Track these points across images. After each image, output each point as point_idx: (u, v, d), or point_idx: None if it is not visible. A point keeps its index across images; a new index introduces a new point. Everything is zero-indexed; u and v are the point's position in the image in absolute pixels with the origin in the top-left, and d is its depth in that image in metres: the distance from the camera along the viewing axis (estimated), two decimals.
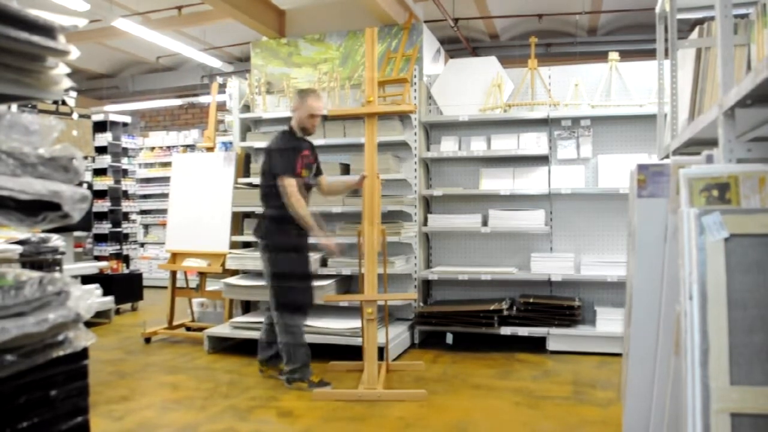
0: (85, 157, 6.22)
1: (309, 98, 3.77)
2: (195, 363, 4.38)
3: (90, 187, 6.96)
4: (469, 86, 5.20)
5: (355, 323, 4.33)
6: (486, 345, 4.65)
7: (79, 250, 6.17)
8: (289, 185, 3.61)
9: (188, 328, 5.31)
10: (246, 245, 5.24)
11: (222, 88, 6.64)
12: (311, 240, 3.78)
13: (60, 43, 1.52)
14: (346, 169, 5.01)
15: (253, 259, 4.81)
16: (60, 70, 1.58)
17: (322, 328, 4.41)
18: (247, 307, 5.30)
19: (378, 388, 3.53)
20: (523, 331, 4.53)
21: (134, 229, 8.17)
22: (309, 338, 4.39)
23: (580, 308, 4.55)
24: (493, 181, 4.96)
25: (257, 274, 4.99)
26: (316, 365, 4.20)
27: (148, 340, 5.10)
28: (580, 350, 4.41)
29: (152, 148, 9.91)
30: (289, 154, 3.70)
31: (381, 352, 3.86)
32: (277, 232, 3.72)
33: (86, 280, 5.79)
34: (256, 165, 5.25)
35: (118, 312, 6.52)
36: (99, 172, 7.53)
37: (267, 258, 3.73)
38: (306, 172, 3.82)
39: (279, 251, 3.71)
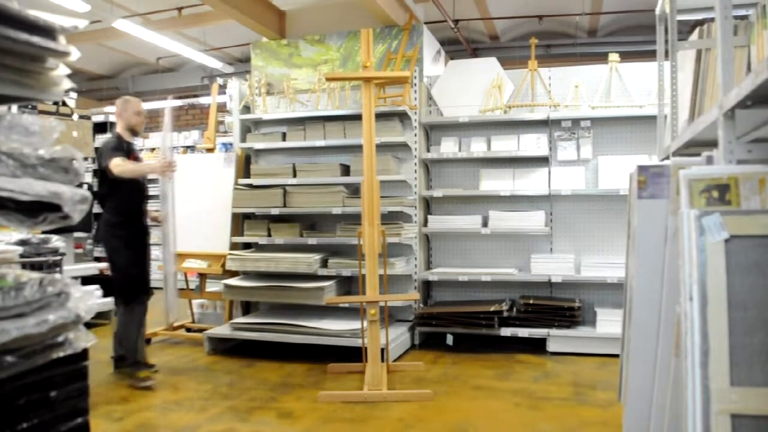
0: (86, 158, 6.23)
1: (130, 101, 4.07)
2: (195, 364, 4.38)
3: (90, 188, 6.97)
4: (470, 87, 5.20)
5: (354, 324, 4.33)
6: (486, 346, 4.65)
7: (79, 251, 6.17)
8: (115, 165, 3.81)
9: (188, 329, 5.31)
10: (246, 246, 5.24)
11: (222, 89, 6.65)
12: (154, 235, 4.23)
13: (60, 44, 1.52)
14: (346, 170, 5.01)
15: (254, 261, 4.82)
16: (60, 71, 1.58)
17: (321, 329, 4.41)
18: (247, 308, 5.30)
19: (383, 389, 3.53)
20: (523, 332, 4.53)
21: None
22: (309, 340, 4.41)
23: (581, 309, 4.55)
24: (493, 182, 4.96)
25: (257, 276, 4.99)
26: (315, 367, 4.21)
27: (148, 341, 5.08)
28: (580, 351, 4.41)
29: (152, 149, 9.91)
30: (119, 154, 3.90)
31: (381, 353, 3.86)
32: (113, 237, 3.96)
33: (86, 281, 5.78)
34: (257, 166, 5.26)
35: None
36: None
37: (106, 252, 4.04)
38: None
39: (115, 252, 3.96)
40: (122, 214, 3.98)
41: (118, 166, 3.84)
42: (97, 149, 4.22)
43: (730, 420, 1.32)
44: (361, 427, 3.07)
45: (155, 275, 8.71)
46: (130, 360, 3.89)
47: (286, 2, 6.25)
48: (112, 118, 7.70)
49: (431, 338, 4.85)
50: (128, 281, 3.95)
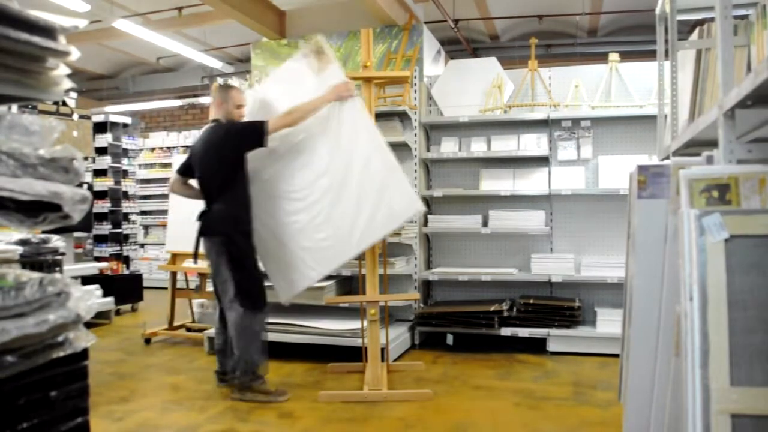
0: (86, 158, 6.22)
1: (231, 92, 3.74)
2: (195, 364, 4.38)
3: (90, 188, 6.97)
4: (470, 87, 5.20)
5: (354, 324, 4.33)
6: (486, 346, 4.65)
7: (79, 251, 6.17)
8: (274, 122, 3.53)
9: (188, 329, 5.31)
10: None
11: None
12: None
13: (60, 44, 1.52)
14: None
15: None
16: (60, 70, 1.58)
17: (321, 329, 4.41)
18: None
19: (383, 388, 3.53)
20: (523, 332, 4.53)
21: (134, 230, 8.17)
22: (309, 339, 4.41)
23: (581, 309, 4.55)
24: (493, 182, 4.96)
25: None
26: (315, 366, 4.20)
27: (148, 341, 5.10)
28: (580, 351, 4.41)
29: (152, 149, 9.91)
30: (252, 121, 3.61)
31: (381, 353, 3.86)
32: (240, 233, 3.57)
33: (86, 280, 5.79)
34: None
35: (118, 313, 6.52)
36: (99, 173, 7.53)
37: (227, 250, 3.53)
38: None
39: (241, 250, 3.56)
40: (246, 207, 3.61)
41: (281, 118, 3.52)
42: (208, 143, 3.65)
43: (730, 420, 1.32)
44: (361, 427, 3.07)
45: (157, 275, 8.76)
46: (249, 373, 3.50)
47: (286, 2, 6.25)
48: (112, 118, 7.68)
49: (431, 338, 4.85)
50: (258, 282, 3.60)
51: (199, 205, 3.81)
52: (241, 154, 3.61)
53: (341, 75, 3.67)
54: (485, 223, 4.90)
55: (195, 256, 3.75)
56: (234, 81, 5.60)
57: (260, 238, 3.72)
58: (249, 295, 3.53)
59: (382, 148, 3.56)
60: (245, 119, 3.74)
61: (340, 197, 3.60)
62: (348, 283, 4.97)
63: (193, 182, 3.87)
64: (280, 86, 3.88)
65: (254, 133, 3.55)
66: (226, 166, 3.59)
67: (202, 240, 3.64)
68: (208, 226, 3.61)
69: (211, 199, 3.65)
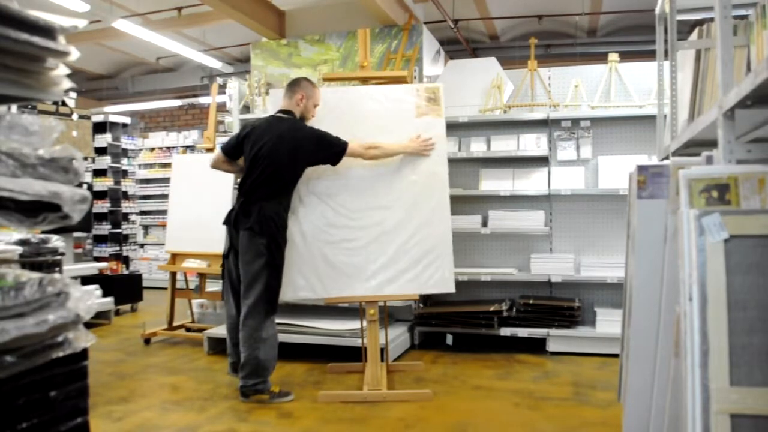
0: (85, 158, 6.22)
1: (318, 90, 3.66)
2: (195, 364, 4.38)
3: (90, 188, 6.97)
4: (469, 87, 5.20)
5: (354, 324, 4.33)
6: (486, 346, 4.65)
7: (79, 251, 6.17)
8: (359, 148, 3.53)
9: (188, 329, 5.31)
10: None
11: (222, 88, 6.64)
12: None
13: (60, 44, 1.52)
14: None
15: None
16: (60, 70, 1.58)
17: (321, 329, 4.41)
18: None
19: (382, 389, 3.53)
20: (523, 332, 4.53)
21: (134, 230, 8.17)
22: (309, 339, 4.41)
23: (580, 309, 4.55)
24: (492, 182, 4.96)
25: None
26: (315, 366, 4.21)
27: (147, 341, 5.10)
28: (580, 351, 4.41)
29: (152, 149, 9.92)
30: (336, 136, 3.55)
31: (381, 353, 3.86)
32: (283, 240, 3.54)
33: (86, 280, 5.79)
34: None
35: (117, 313, 6.52)
36: (99, 173, 7.53)
37: (268, 252, 3.45)
38: None
39: (280, 255, 3.52)
40: (288, 213, 3.60)
41: (362, 149, 3.52)
42: (283, 139, 3.50)
43: (729, 420, 1.32)
44: (361, 427, 3.07)
45: (157, 275, 8.77)
46: (259, 377, 3.45)
47: (286, 2, 6.25)
48: (112, 118, 7.67)
49: (431, 338, 4.85)
50: (280, 288, 3.55)
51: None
52: (314, 163, 3.58)
53: (441, 135, 3.75)
54: (485, 223, 4.90)
55: (231, 250, 3.61)
56: (233, 81, 5.60)
57: (289, 232, 3.67)
58: (272, 301, 3.49)
59: (446, 219, 3.65)
60: (311, 121, 3.69)
61: (383, 239, 3.66)
62: None
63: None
64: (369, 101, 3.83)
65: (335, 152, 3.53)
66: (296, 168, 3.55)
67: (242, 235, 3.48)
68: (258, 223, 3.44)
69: (262, 193, 3.49)
